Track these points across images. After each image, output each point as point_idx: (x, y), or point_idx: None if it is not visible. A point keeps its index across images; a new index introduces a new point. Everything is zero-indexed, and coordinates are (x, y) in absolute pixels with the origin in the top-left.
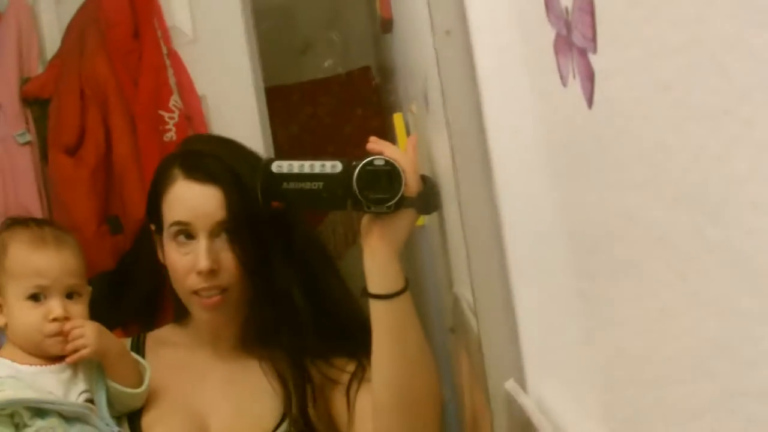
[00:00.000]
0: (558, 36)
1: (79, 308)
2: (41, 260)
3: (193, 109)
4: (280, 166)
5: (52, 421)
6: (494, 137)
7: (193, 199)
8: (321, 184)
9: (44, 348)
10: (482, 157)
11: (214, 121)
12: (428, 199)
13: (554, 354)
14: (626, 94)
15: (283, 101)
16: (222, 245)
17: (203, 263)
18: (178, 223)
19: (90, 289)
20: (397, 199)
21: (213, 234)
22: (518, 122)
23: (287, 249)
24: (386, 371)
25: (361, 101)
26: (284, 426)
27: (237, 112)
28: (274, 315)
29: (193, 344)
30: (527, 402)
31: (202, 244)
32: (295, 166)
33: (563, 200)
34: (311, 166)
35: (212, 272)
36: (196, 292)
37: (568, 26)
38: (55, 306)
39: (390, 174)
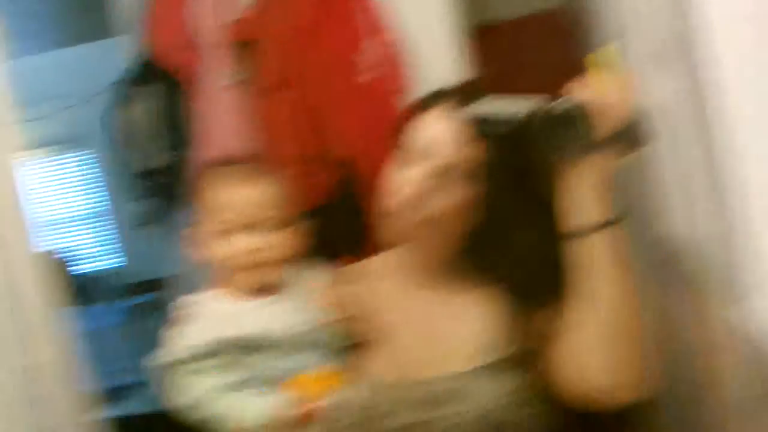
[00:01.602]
0: None
1: (271, 241)
2: (229, 196)
3: (386, 50)
4: (479, 109)
5: (267, 354)
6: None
7: (434, 132)
8: (511, 127)
9: (245, 281)
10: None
11: (413, 62)
12: (627, 139)
13: None
14: None
15: (485, 40)
16: (441, 184)
17: (411, 189)
18: (412, 146)
19: (297, 222)
20: (585, 142)
21: (436, 169)
22: None
23: (512, 188)
24: (588, 307)
25: (567, 38)
26: (490, 351)
27: (436, 53)
28: (492, 250)
29: (401, 274)
30: (755, 326)
31: (420, 172)
32: (488, 110)
33: None
34: (503, 110)
35: (416, 203)
36: (393, 219)
37: None
38: (244, 240)
39: (578, 118)
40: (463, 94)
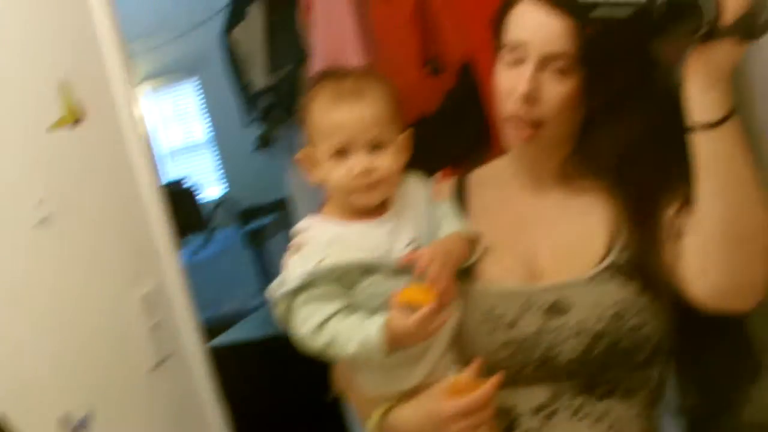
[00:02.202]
0: None
1: (386, 159)
2: (339, 116)
3: None
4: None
5: (379, 277)
6: None
7: (533, 21)
8: (630, 11)
9: (357, 203)
10: None
11: None
12: (755, 22)
13: None
14: None
15: None
16: (550, 77)
17: (522, 87)
18: (513, 42)
19: (407, 134)
20: (704, 30)
21: (544, 62)
22: None
23: (628, 81)
24: (711, 205)
25: None
26: (613, 254)
27: None
28: (610, 149)
29: (516, 179)
30: None
31: (528, 68)
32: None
33: None
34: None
35: (529, 100)
36: (509, 119)
37: None
38: (357, 161)
39: (695, 3)
40: None
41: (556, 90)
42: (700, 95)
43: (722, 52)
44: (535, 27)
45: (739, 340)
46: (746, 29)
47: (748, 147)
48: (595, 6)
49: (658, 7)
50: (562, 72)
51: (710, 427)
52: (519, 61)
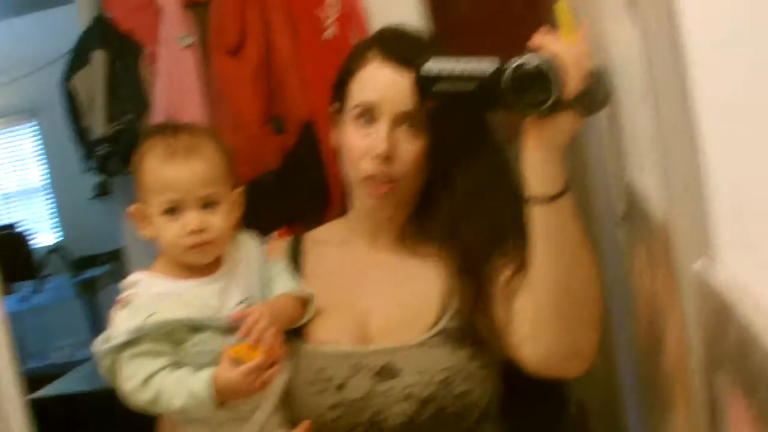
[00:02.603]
0: None
1: (217, 218)
2: (172, 173)
3: (352, 5)
4: (433, 67)
5: (209, 335)
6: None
7: (384, 82)
8: (474, 85)
9: (188, 261)
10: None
11: (374, 17)
12: (593, 97)
13: (749, 233)
14: None
15: None
16: (403, 135)
17: (381, 147)
18: (364, 104)
19: (240, 191)
20: (550, 102)
21: (396, 121)
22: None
23: (472, 148)
24: (544, 273)
25: None
26: (445, 320)
27: (397, 7)
28: (449, 212)
29: (353, 240)
30: (722, 280)
31: (382, 127)
32: (447, 66)
33: None
34: (464, 67)
35: (388, 159)
36: (366, 178)
37: None
38: (190, 219)
39: (543, 77)
40: (409, 46)
41: (409, 147)
42: (537, 168)
43: (562, 126)
44: (387, 87)
45: (562, 405)
46: (586, 104)
47: (580, 218)
48: (437, 79)
49: (504, 81)
50: (414, 130)
51: None
52: (370, 121)
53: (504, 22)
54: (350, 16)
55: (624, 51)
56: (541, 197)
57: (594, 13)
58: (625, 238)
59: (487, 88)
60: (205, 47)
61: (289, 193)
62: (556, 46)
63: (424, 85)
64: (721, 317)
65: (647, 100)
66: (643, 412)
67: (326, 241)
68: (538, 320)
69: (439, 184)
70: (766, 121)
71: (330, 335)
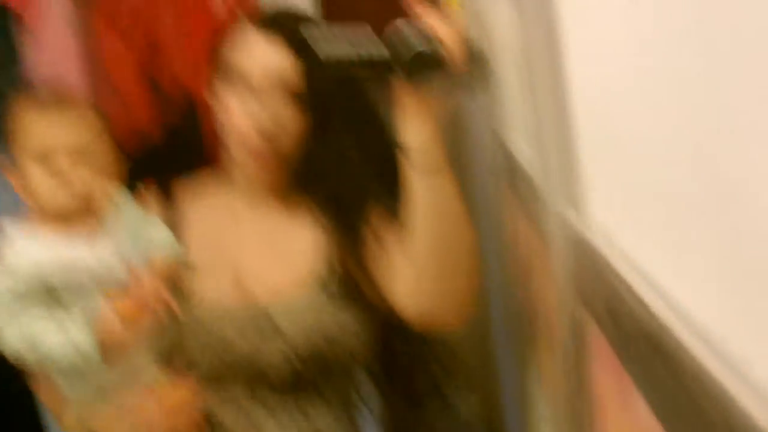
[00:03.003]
0: None
1: (92, 172)
2: (46, 130)
3: None
4: (318, 38)
5: (86, 291)
6: None
7: (263, 53)
8: (360, 55)
9: (61, 213)
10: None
11: None
12: (474, 73)
13: (615, 188)
14: None
15: None
16: (280, 101)
17: (260, 116)
18: (242, 73)
19: (117, 155)
20: (438, 80)
21: (274, 90)
22: None
23: (349, 107)
24: (420, 228)
25: None
26: (323, 273)
27: None
28: (324, 166)
29: (229, 196)
30: (589, 231)
31: (261, 97)
32: (334, 42)
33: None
34: (350, 44)
35: (267, 128)
36: (246, 146)
37: None
38: (64, 176)
39: (432, 57)
40: (288, 17)
41: (288, 115)
42: (414, 144)
43: (442, 96)
44: (266, 57)
45: (438, 356)
46: (468, 79)
47: (456, 178)
48: (331, 63)
49: (403, 65)
50: (291, 97)
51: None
52: (248, 91)
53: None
54: None
55: (498, 16)
56: (420, 169)
57: None
58: (498, 191)
59: (379, 67)
60: (86, 15)
61: (168, 156)
62: (435, 21)
63: (310, 56)
64: (590, 267)
65: (518, 56)
66: (511, 347)
67: (202, 195)
68: (417, 273)
69: (315, 140)
70: (633, 79)
71: (209, 292)
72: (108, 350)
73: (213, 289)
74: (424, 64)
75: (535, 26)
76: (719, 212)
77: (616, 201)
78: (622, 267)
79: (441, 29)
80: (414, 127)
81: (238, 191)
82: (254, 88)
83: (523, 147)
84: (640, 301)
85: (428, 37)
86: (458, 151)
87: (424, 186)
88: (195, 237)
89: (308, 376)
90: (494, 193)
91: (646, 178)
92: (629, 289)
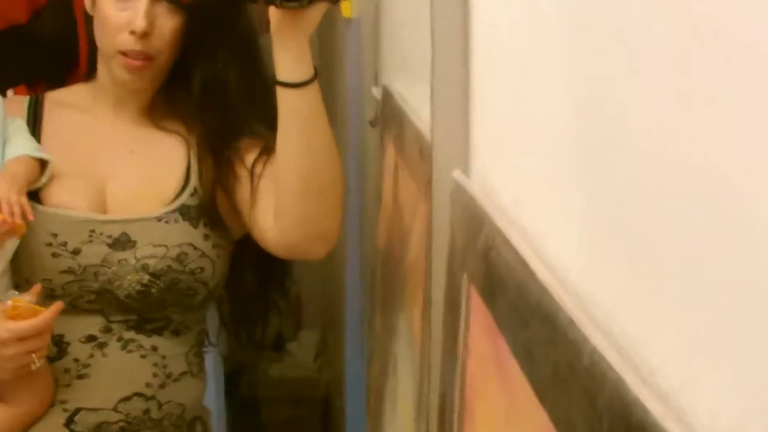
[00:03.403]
0: None
1: None
2: None
3: None
4: None
5: None
6: None
7: None
8: None
9: None
10: None
11: None
12: None
13: (505, 145)
14: None
15: None
16: (161, 11)
17: (140, 23)
18: None
19: None
20: None
21: None
22: None
23: (228, 28)
24: (291, 156)
25: None
26: (184, 197)
27: None
28: (199, 90)
29: (97, 107)
30: (476, 190)
31: (142, 2)
32: None
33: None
34: None
35: (146, 35)
36: (122, 52)
37: None
38: None
39: None
40: None
41: (167, 23)
42: (289, 56)
43: (313, 16)
44: None
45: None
46: None
47: (322, 105)
48: None
49: None
50: (172, 6)
51: (246, 371)
52: None
53: None
54: None
55: None
56: (292, 83)
57: None
58: (373, 142)
59: None
60: None
61: (34, 52)
62: None
63: None
64: (472, 224)
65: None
66: (362, 303)
67: (69, 104)
68: (284, 202)
69: (192, 61)
70: (526, 38)
71: (66, 200)
72: None
73: (69, 197)
74: None
75: None
76: (600, 168)
77: (501, 158)
78: (503, 224)
79: None
80: (282, 40)
81: (105, 102)
82: None
83: (410, 97)
84: (519, 259)
85: None
86: (332, 93)
87: (296, 105)
88: (55, 142)
89: (158, 296)
90: (363, 135)
91: (530, 135)
92: (508, 243)
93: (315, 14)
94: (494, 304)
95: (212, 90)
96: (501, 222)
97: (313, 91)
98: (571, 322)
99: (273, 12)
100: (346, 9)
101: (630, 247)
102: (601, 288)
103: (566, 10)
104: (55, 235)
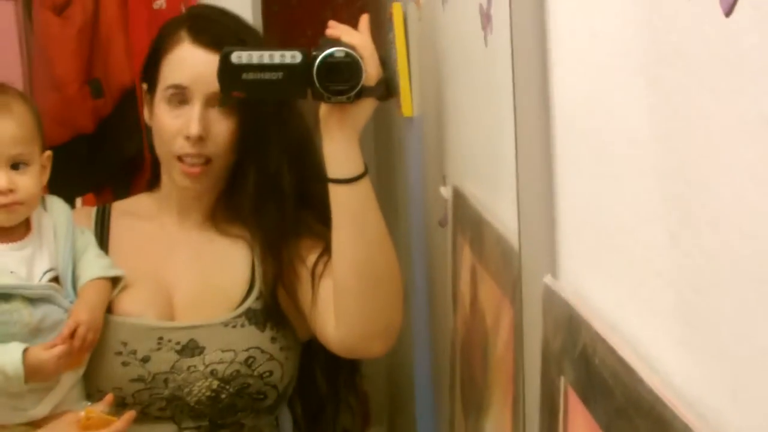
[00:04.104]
0: None
1: (26, 179)
2: None
3: None
4: (240, 57)
5: (16, 304)
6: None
7: (195, 65)
8: (281, 74)
9: None
10: (540, 62)
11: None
12: (387, 85)
13: (596, 248)
14: None
15: None
16: (215, 116)
17: (194, 128)
18: (176, 86)
19: (48, 154)
20: (357, 90)
21: (208, 103)
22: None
23: (281, 129)
24: (346, 252)
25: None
26: (250, 300)
27: None
28: (256, 192)
29: (162, 215)
30: (569, 295)
31: (195, 109)
32: (254, 56)
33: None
34: (271, 56)
35: (200, 139)
36: (180, 158)
37: None
38: None
39: (350, 65)
40: (220, 27)
41: (221, 128)
42: (340, 151)
43: (362, 111)
44: (198, 68)
45: (350, 392)
46: (382, 91)
47: (375, 201)
48: (245, 68)
49: (317, 69)
50: (226, 110)
51: None
52: (183, 102)
53: (325, 16)
54: None
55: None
56: (342, 178)
57: (431, 22)
58: (441, 242)
59: (295, 77)
60: (28, 2)
61: (100, 160)
62: (353, 38)
63: (232, 74)
64: (568, 329)
65: (492, 109)
66: (433, 402)
67: (135, 213)
68: (342, 300)
69: (248, 164)
70: (613, 142)
71: (135, 308)
72: (36, 376)
73: (137, 305)
74: (352, 77)
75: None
76: (697, 269)
77: (592, 261)
78: (601, 327)
79: (356, 39)
80: (331, 136)
81: (169, 209)
82: (185, 98)
83: (485, 198)
84: (623, 364)
85: (343, 45)
86: (392, 192)
87: (348, 201)
88: (123, 250)
89: (228, 402)
90: (430, 234)
91: (621, 236)
92: (609, 349)
93: (364, 110)
94: (597, 409)
95: (267, 191)
96: (599, 326)
97: (364, 187)
98: (687, 427)
99: (322, 107)
100: (407, 108)
101: (737, 347)
102: (710, 392)
103: (654, 108)
104: (124, 344)
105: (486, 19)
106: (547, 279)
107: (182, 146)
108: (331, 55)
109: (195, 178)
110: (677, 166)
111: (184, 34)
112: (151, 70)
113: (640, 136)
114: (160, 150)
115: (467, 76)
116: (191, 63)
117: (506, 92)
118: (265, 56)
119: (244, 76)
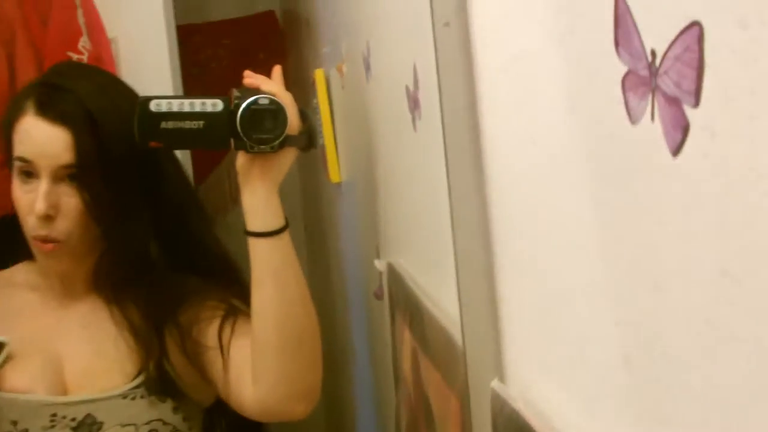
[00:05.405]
0: (631, 73)
1: None
2: None
3: (102, 50)
4: (159, 105)
5: None
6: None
7: (38, 138)
8: (202, 123)
9: None
10: (474, 155)
11: (124, 63)
12: (308, 135)
13: (545, 352)
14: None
15: (186, 40)
16: (65, 191)
17: (39, 207)
18: (21, 159)
19: None
20: (281, 139)
21: (56, 177)
22: (539, 129)
23: (148, 196)
24: (268, 309)
25: (264, 46)
26: (146, 371)
27: (148, 55)
28: (125, 266)
29: (45, 285)
30: (518, 402)
31: (42, 186)
32: (174, 104)
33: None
34: (191, 104)
35: (48, 218)
36: (32, 236)
37: (651, 70)
38: None
39: (275, 113)
40: (65, 99)
41: (71, 202)
42: (261, 204)
43: (284, 161)
44: (43, 142)
45: None
46: (304, 141)
47: (295, 257)
48: (164, 116)
49: (240, 116)
50: (76, 183)
51: None
52: (31, 176)
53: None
54: (102, 60)
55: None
56: (262, 232)
57: (356, 91)
58: (382, 316)
59: (216, 126)
60: None
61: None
62: (271, 87)
63: (150, 122)
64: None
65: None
66: None
67: (17, 284)
68: (263, 360)
69: (115, 235)
70: (560, 242)
71: (23, 383)
72: None
73: (25, 381)
74: (276, 125)
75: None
76: (644, 367)
77: (539, 365)
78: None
79: (275, 88)
80: (251, 188)
81: (50, 279)
82: (35, 174)
83: (421, 279)
84: None
85: (276, 99)
86: (325, 257)
87: (270, 255)
88: (6, 322)
89: None
90: (367, 304)
91: (566, 340)
92: None
93: (286, 160)
94: None
95: (139, 262)
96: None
97: (286, 241)
98: None
99: (240, 157)
100: (334, 174)
101: None
102: None
103: (598, 203)
104: (15, 423)
105: (413, 102)
106: (495, 384)
107: (32, 225)
108: (255, 102)
109: (51, 255)
110: (626, 261)
111: (29, 103)
112: (5, 141)
113: (584, 224)
114: (22, 225)
115: (396, 156)
116: (34, 135)
117: (440, 181)
118: (186, 104)
119: (163, 125)
